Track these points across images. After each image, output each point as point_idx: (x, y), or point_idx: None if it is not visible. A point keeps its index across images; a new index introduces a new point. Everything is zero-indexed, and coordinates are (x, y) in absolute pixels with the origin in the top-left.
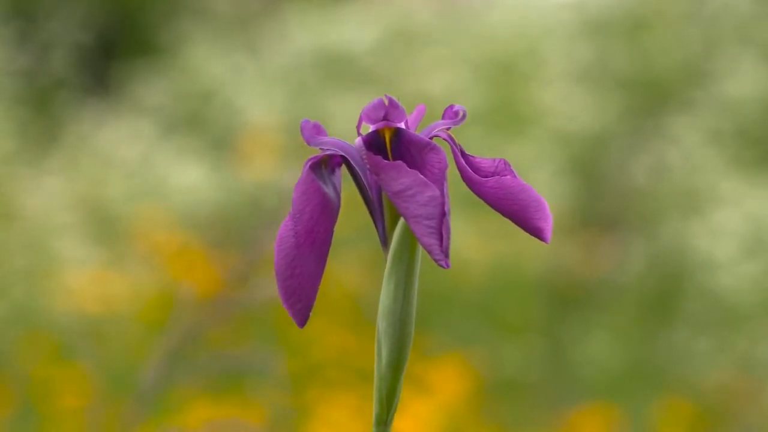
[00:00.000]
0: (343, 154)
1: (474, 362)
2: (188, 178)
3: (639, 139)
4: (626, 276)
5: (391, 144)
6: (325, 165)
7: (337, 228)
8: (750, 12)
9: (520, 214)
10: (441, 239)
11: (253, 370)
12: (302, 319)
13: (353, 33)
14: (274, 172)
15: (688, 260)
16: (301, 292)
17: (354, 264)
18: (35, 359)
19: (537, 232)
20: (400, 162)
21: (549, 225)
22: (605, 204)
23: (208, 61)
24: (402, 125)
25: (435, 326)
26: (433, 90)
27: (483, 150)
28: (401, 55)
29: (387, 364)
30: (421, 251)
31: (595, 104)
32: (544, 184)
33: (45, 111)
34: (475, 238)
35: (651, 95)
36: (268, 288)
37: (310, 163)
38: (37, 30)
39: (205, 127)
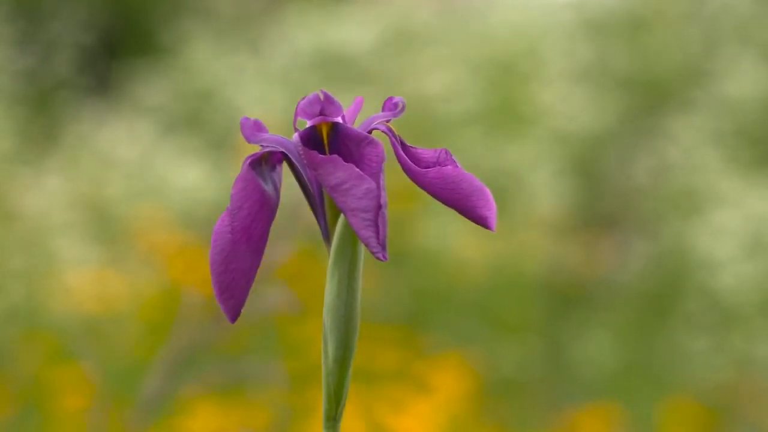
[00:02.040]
0: (283, 150)
1: (473, 362)
2: (188, 177)
3: (639, 139)
4: (626, 276)
5: (329, 138)
6: (265, 162)
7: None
8: (750, 12)
9: (463, 203)
10: (377, 231)
11: (254, 377)
12: (234, 315)
13: (353, 33)
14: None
15: (688, 260)
16: (234, 287)
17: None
18: (35, 359)
19: (481, 221)
20: (335, 156)
21: (493, 213)
22: (605, 204)
23: (209, 61)
24: (339, 120)
25: (434, 326)
26: (432, 90)
27: (483, 150)
28: (401, 55)
29: (333, 360)
30: (363, 246)
31: (595, 104)
32: (544, 184)
33: (45, 111)
34: (474, 237)
35: (651, 95)
36: (271, 296)
37: (249, 160)
38: (39, 30)
39: (205, 126)
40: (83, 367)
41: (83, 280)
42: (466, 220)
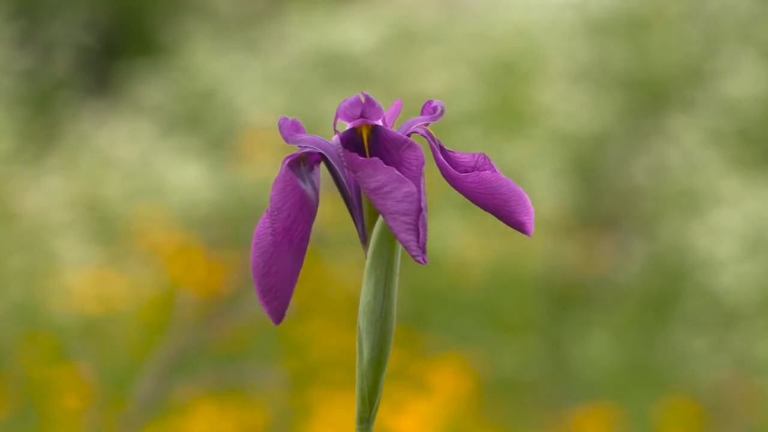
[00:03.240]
0: (321, 151)
1: (473, 362)
2: (188, 177)
3: (639, 139)
4: (626, 276)
5: (369, 141)
6: (303, 162)
7: (335, 228)
8: (750, 12)
9: (501, 208)
10: (418, 235)
11: (253, 378)
12: (278, 317)
13: (354, 33)
14: (274, 172)
15: (687, 260)
16: (277, 289)
17: (353, 264)
18: (34, 359)
19: (519, 226)
20: (376, 159)
21: (531, 218)
22: (605, 204)
23: (209, 61)
24: (379, 122)
25: (434, 326)
26: (433, 90)
27: (483, 149)
28: (402, 55)
29: (369, 362)
30: (400, 248)
31: (595, 104)
32: (544, 184)
33: (45, 110)
34: (475, 237)
35: (651, 95)
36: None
37: (288, 160)
38: (39, 30)
39: (205, 126)
40: (82, 367)
41: (83, 280)
42: (466, 220)
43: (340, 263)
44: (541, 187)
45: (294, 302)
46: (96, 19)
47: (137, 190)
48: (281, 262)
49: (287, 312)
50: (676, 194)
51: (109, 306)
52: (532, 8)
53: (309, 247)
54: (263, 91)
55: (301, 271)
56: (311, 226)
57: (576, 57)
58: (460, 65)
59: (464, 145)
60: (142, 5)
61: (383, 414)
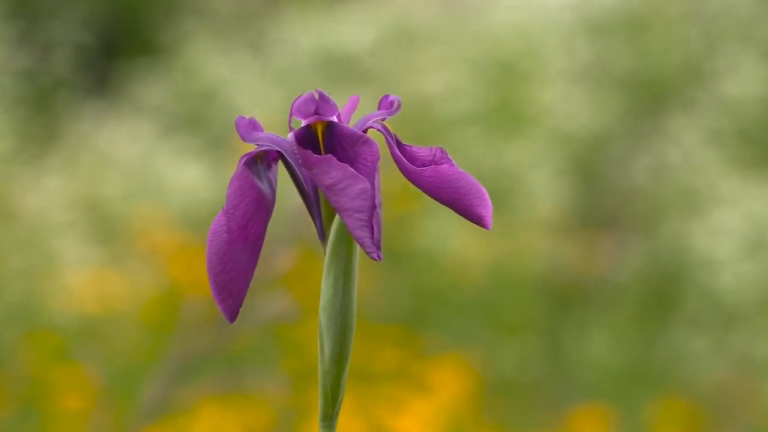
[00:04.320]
0: (278, 149)
1: (473, 362)
2: (188, 177)
3: (639, 139)
4: (625, 276)
5: (324, 138)
6: (260, 161)
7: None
8: (750, 12)
9: (459, 202)
10: (372, 232)
11: (256, 379)
12: (232, 315)
13: (353, 33)
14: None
15: (687, 260)
16: (232, 287)
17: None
18: (35, 359)
19: (477, 219)
20: (330, 156)
21: (489, 211)
22: (605, 204)
23: (209, 61)
24: (334, 119)
25: (434, 326)
26: (432, 90)
27: (482, 149)
28: (401, 55)
29: (330, 358)
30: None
31: (595, 104)
32: (544, 184)
33: (45, 110)
34: (474, 237)
35: (651, 95)
36: (272, 304)
37: (245, 158)
38: (38, 30)
39: (204, 126)
40: (83, 368)
41: (83, 280)
42: (465, 219)
43: None
44: (541, 188)
45: (295, 309)
46: (95, 19)
47: (137, 190)
48: (236, 260)
49: (240, 310)
50: (676, 194)
51: (109, 306)
52: (532, 8)
53: (309, 248)
54: (263, 91)
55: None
56: (267, 224)
57: (576, 57)
58: (460, 65)
59: (464, 146)
60: (142, 5)
61: (383, 414)
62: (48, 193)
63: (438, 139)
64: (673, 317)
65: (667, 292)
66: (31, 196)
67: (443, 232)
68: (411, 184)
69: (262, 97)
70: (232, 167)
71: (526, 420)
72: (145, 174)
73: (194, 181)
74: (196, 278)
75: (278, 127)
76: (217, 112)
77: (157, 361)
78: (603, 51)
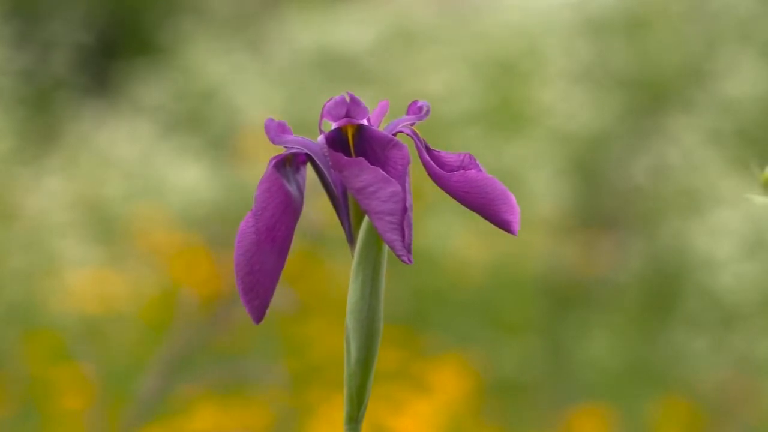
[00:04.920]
0: (307, 152)
1: (473, 362)
2: (188, 177)
3: (639, 139)
4: (625, 276)
5: (354, 141)
6: (289, 163)
7: (335, 228)
8: (750, 12)
9: (487, 207)
10: (403, 235)
11: (255, 377)
12: (258, 316)
13: (353, 33)
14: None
15: (687, 260)
16: (259, 288)
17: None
18: (35, 359)
19: (505, 225)
20: (361, 158)
21: (516, 217)
22: (605, 204)
23: (208, 61)
24: (364, 122)
25: (434, 326)
26: (433, 90)
27: (483, 149)
28: (401, 55)
29: (356, 362)
30: (387, 248)
31: (595, 104)
32: (544, 184)
33: (45, 110)
34: (474, 237)
35: (651, 95)
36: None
37: (274, 161)
38: (37, 30)
39: (204, 126)
40: (83, 367)
41: (83, 280)
42: (466, 220)
43: (341, 263)
44: (541, 187)
45: (295, 301)
46: (94, 19)
47: (137, 190)
48: (263, 261)
49: (267, 311)
50: (676, 194)
51: (109, 306)
52: (531, 8)
53: (309, 248)
54: (263, 91)
55: (301, 271)
56: (295, 227)
57: (576, 57)
58: (460, 65)
59: (464, 145)
60: (141, 5)
61: (383, 414)
62: (48, 193)
63: (438, 139)
64: (673, 317)
65: (667, 292)
66: (31, 196)
67: (443, 232)
68: (412, 185)
69: (261, 97)
70: (232, 167)
71: (526, 420)
72: (145, 174)
73: (194, 181)
74: (196, 278)
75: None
76: (217, 112)
77: (154, 360)
78: (603, 51)
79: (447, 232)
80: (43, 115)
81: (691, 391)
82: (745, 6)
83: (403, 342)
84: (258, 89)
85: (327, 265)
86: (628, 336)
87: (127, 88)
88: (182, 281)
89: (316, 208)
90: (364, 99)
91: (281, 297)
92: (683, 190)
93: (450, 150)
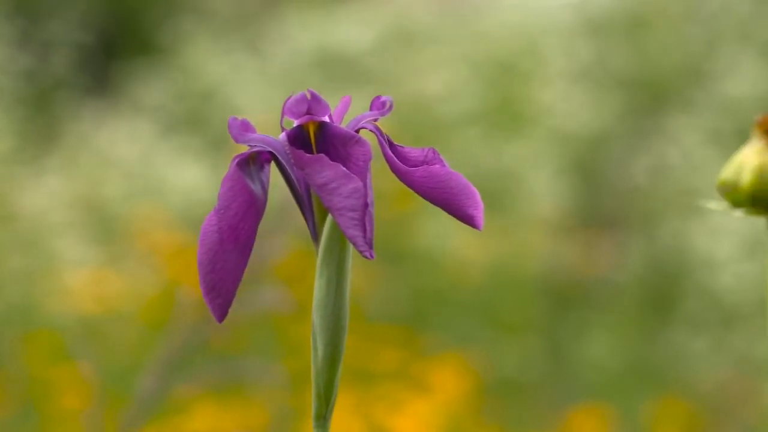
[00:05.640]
0: (270, 150)
1: (473, 362)
2: (188, 177)
3: (639, 139)
4: (625, 276)
5: (316, 138)
6: (252, 162)
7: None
8: (750, 12)
9: (450, 202)
10: (365, 230)
11: (253, 377)
12: (221, 314)
13: (353, 33)
14: (273, 172)
15: (687, 260)
16: (221, 287)
17: (352, 263)
18: (34, 359)
19: (469, 220)
20: (322, 155)
21: (480, 212)
22: (605, 204)
23: (208, 61)
24: (326, 119)
25: (434, 326)
26: (432, 90)
27: (482, 149)
28: (401, 55)
29: (323, 359)
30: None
31: (595, 104)
32: (544, 184)
33: (44, 110)
34: (474, 237)
35: (651, 95)
36: (266, 294)
37: (237, 159)
38: (37, 29)
39: (204, 126)
40: (82, 367)
41: (82, 280)
42: (457, 220)
43: None
44: (540, 188)
45: (290, 301)
46: (95, 19)
47: (137, 190)
48: (226, 260)
49: (229, 310)
50: (676, 194)
51: (108, 306)
52: (531, 8)
53: (306, 247)
54: (263, 91)
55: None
56: (258, 225)
57: (576, 57)
58: (460, 65)
59: (464, 146)
60: (141, 5)
61: (383, 414)
62: (48, 193)
63: (438, 139)
64: (673, 317)
65: (667, 292)
66: (30, 196)
67: (443, 232)
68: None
69: (261, 97)
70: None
71: (526, 420)
72: (144, 174)
73: (194, 181)
74: (195, 278)
75: (278, 126)
76: (217, 112)
77: (153, 360)
78: (603, 51)
79: (446, 232)
80: (43, 115)
81: (690, 391)
82: (745, 6)
83: (403, 342)
84: (258, 89)
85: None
86: (628, 336)
87: (127, 88)
88: (181, 281)
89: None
90: (364, 99)
91: (275, 297)
92: (683, 190)
93: (450, 150)
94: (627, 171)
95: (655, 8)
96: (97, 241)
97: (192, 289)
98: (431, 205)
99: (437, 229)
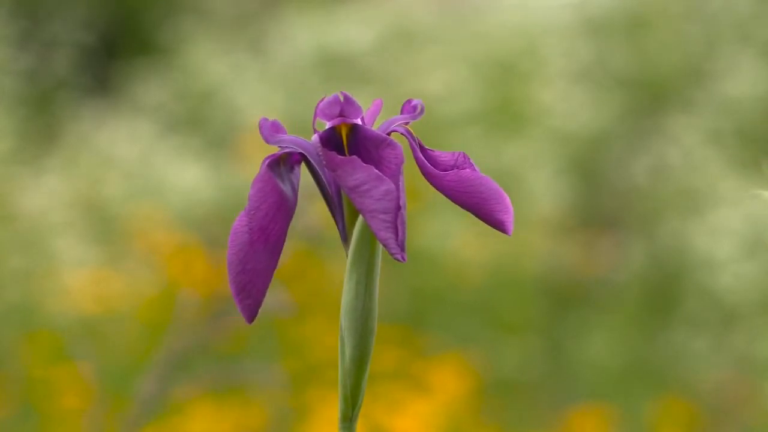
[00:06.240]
0: (301, 151)
1: (473, 362)
2: (187, 177)
3: (639, 139)
4: (625, 276)
5: (348, 140)
6: (283, 163)
7: (334, 228)
8: (750, 12)
9: (480, 207)
10: (397, 233)
11: (253, 377)
12: (250, 315)
13: (353, 32)
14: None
15: (687, 260)
16: (251, 287)
17: None
18: (34, 359)
19: (498, 225)
20: (354, 157)
21: (510, 217)
22: (605, 204)
23: (208, 61)
24: (358, 121)
25: (434, 326)
26: (433, 89)
27: (482, 149)
28: (401, 55)
29: (351, 360)
30: (381, 247)
31: (595, 104)
32: (544, 184)
33: (45, 110)
34: (474, 237)
35: (651, 95)
36: (270, 297)
37: (268, 161)
38: (38, 30)
39: (204, 126)
40: (81, 367)
41: (82, 280)
42: (465, 219)
43: (339, 264)
44: (540, 187)
45: (292, 304)
46: (95, 19)
47: (137, 190)
48: (256, 261)
49: (259, 311)
50: (676, 194)
51: (108, 306)
52: (531, 8)
53: (309, 247)
54: (263, 91)
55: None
56: (288, 226)
57: (576, 57)
58: (460, 65)
59: (464, 145)
60: (142, 5)
61: (383, 414)
62: (48, 193)
63: (438, 139)
64: (673, 317)
65: (667, 292)
66: (30, 196)
67: (443, 232)
68: (412, 185)
69: (262, 97)
70: (232, 167)
71: (526, 420)
72: (145, 174)
73: (194, 181)
74: (195, 278)
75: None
76: (217, 112)
77: (153, 360)
78: (603, 51)
79: (446, 232)
80: (44, 114)
81: (690, 391)
82: (745, 6)
83: (403, 342)
84: (258, 89)
85: (325, 265)
86: (628, 336)
87: (128, 88)
88: (181, 281)
89: (315, 208)
90: (364, 99)
91: (277, 300)
92: (683, 190)
93: (450, 150)
94: (627, 171)
95: (655, 8)
96: (97, 241)
97: (191, 289)
98: (431, 206)
99: (437, 229)
